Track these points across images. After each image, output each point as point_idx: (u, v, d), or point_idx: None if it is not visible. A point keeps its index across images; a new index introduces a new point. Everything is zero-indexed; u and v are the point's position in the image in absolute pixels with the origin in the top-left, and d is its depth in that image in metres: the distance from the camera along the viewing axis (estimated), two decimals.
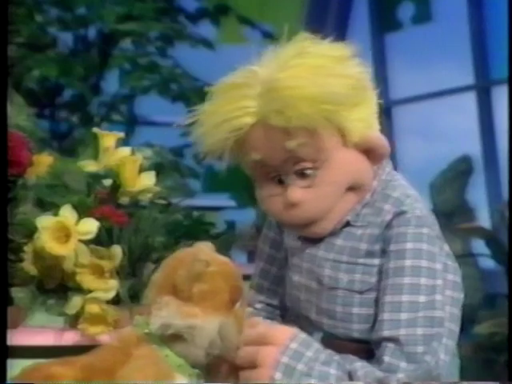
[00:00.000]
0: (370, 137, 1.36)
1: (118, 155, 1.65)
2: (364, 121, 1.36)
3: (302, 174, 1.35)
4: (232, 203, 3.74)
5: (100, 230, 1.56)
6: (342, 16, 4.88)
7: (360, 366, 1.29)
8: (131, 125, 4.08)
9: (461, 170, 4.34)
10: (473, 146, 4.55)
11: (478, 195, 4.44)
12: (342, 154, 1.35)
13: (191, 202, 2.86)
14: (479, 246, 3.82)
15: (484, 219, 4.37)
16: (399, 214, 1.34)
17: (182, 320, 1.28)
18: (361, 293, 1.35)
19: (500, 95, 4.69)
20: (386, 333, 1.30)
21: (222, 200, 3.88)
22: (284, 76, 1.32)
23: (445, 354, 1.31)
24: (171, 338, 1.29)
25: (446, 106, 4.75)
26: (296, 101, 1.30)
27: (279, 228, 1.50)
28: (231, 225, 3.55)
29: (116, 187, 1.64)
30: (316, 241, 1.39)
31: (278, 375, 1.26)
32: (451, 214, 4.17)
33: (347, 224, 1.38)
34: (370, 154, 1.37)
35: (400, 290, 1.31)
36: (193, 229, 1.94)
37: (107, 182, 1.66)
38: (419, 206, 1.36)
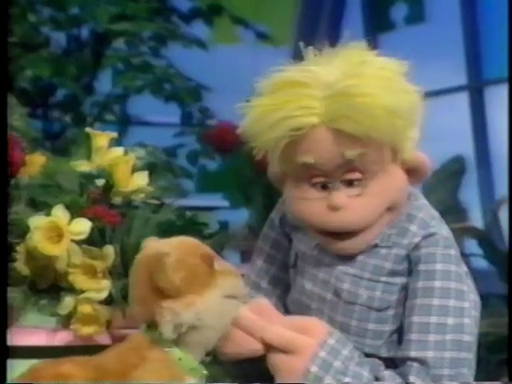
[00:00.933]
0: (417, 156, 1.37)
1: (110, 155, 1.65)
2: (415, 140, 1.37)
3: (349, 183, 1.34)
4: (225, 203, 3.74)
5: (93, 230, 1.56)
6: (335, 16, 4.89)
7: (388, 375, 1.29)
8: (124, 125, 4.07)
9: (453, 170, 4.35)
10: (465, 147, 4.55)
11: (470, 195, 4.45)
12: (392, 170, 1.35)
13: (184, 202, 2.85)
14: (472, 246, 3.83)
15: (476, 219, 4.38)
16: (427, 235, 1.35)
17: (187, 313, 1.27)
18: (379, 310, 1.35)
19: (493, 95, 4.70)
20: (413, 353, 1.30)
21: (215, 200, 3.88)
22: (354, 82, 1.30)
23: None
24: (184, 333, 1.29)
25: (439, 106, 4.75)
26: (372, 109, 1.29)
27: (283, 230, 1.49)
28: (224, 225, 3.54)
29: (109, 187, 1.64)
30: (340, 256, 1.38)
31: (314, 368, 1.26)
32: (444, 214, 4.16)
33: (375, 245, 1.37)
34: (412, 174, 1.37)
35: (429, 311, 1.31)
36: (186, 229, 1.94)
37: (100, 182, 1.66)
38: (444, 226, 1.38)
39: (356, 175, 1.33)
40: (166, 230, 1.77)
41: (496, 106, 4.64)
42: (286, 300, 1.46)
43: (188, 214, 2.01)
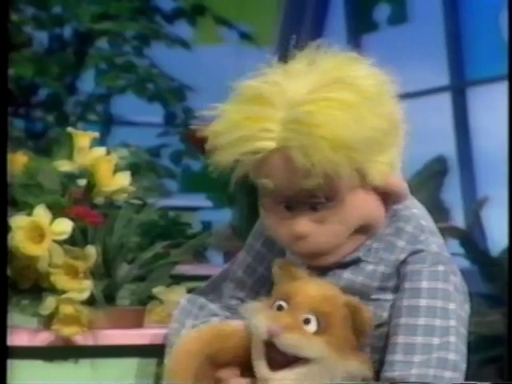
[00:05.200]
0: (390, 181, 1.31)
1: (92, 155, 1.64)
2: (389, 164, 1.31)
3: (313, 207, 1.29)
4: (208, 203, 3.73)
5: (74, 230, 1.56)
6: (318, 17, 4.89)
7: None
8: (107, 124, 4.07)
9: (436, 171, 4.36)
10: (448, 147, 4.57)
11: (452, 195, 4.46)
12: (357, 196, 1.30)
13: (168, 202, 2.84)
14: (454, 245, 3.85)
15: (459, 219, 4.40)
16: (415, 252, 1.31)
17: None
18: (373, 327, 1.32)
19: (475, 96, 4.72)
20: (397, 374, 1.27)
21: (199, 200, 3.87)
22: (313, 109, 1.24)
23: None
24: None
25: (422, 106, 4.77)
26: (322, 142, 1.23)
27: None
28: (207, 225, 3.54)
29: (91, 187, 1.63)
30: (323, 271, 1.35)
31: None
32: None
33: (358, 259, 1.34)
34: (388, 197, 1.32)
35: (414, 331, 1.28)
36: (168, 229, 1.93)
37: (82, 182, 1.65)
38: (434, 240, 1.33)
39: (319, 200, 1.29)
40: (149, 230, 1.77)
41: (478, 107, 4.66)
42: None
43: (171, 214, 2.00)
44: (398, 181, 1.34)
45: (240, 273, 1.47)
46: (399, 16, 4.67)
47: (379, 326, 1.32)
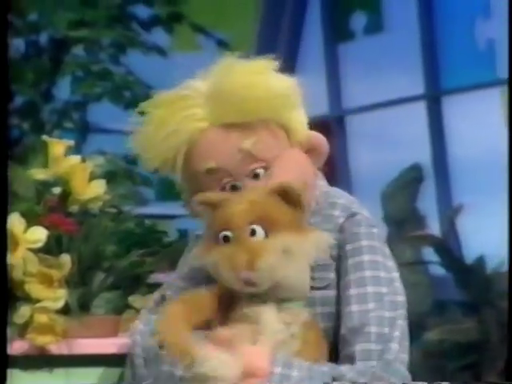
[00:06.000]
0: (312, 135, 1.42)
1: (67, 163, 1.64)
2: (303, 123, 1.42)
3: (255, 176, 1.37)
4: (185, 211, 3.72)
5: (49, 238, 1.55)
6: (295, 26, 4.91)
7: (347, 368, 1.32)
8: (83, 132, 4.05)
9: (411, 178, 4.39)
10: (423, 155, 4.60)
11: (428, 203, 4.49)
12: (291, 153, 1.40)
13: (144, 210, 2.83)
14: (429, 253, 3.86)
15: (434, 227, 4.42)
16: (350, 216, 1.40)
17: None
18: (320, 289, 1.38)
19: (450, 105, 4.75)
20: (357, 322, 1.34)
21: (175, 208, 3.86)
22: (228, 80, 1.36)
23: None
24: None
25: (397, 115, 4.80)
26: (244, 92, 1.35)
27: None
28: (184, 233, 3.53)
29: (65, 195, 1.63)
30: None
31: None
32: (402, 222, 4.21)
33: None
34: (313, 153, 1.42)
35: (363, 283, 1.36)
36: (145, 237, 1.93)
37: (57, 190, 1.65)
38: (365, 210, 1.43)
39: (259, 164, 1.36)
40: (125, 239, 1.76)
41: (454, 115, 4.69)
42: None
43: (147, 222, 2.00)
44: (318, 136, 1.44)
45: (179, 282, 1.48)
46: (375, 25, 4.70)
47: (326, 287, 1.38)
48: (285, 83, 1.39)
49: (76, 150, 1.71)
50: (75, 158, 1.65)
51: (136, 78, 3.96)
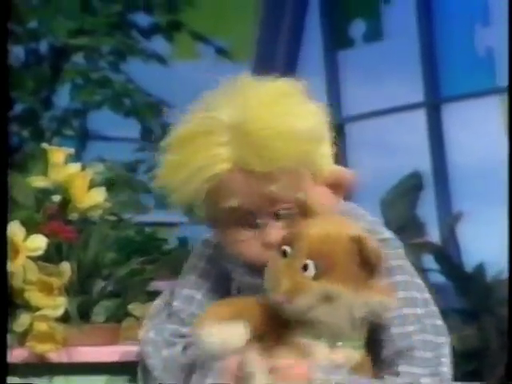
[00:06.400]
0: (337, 171, 1.39)
1: (67, 171, 1.64)
2: (329, 156, 1.38)
3: (277, 216, 1.35)
4: (185, 219, 3.72)
5: (49, 246, 1.55)
6: (295, 34, 4.91)
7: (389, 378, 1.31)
8: (83, 139, 4.05)
9: (411, 186, 4.38)
10: (423, 162, 4.59)
11: (428, 210, 4.49)
12: (315, 192, 1.36)
13: (144, 218, 2.83)
14: (429, 261, 3.86)
15: (434, 234, 4.42)
16: (382, 240, 1.37)
17: None
18: None
19: (450, 112, 4.75)
20: (401, 345, 1.33)
21: (175, 216, 3.86)
22: (250, 119, 1.32)
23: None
24: None
25: (397, 122, 4.80)
26: (271, 142, 1.30)
27: (220, 257, 1.47)
28: (184, 241, 3.53)
29: (65, 203, 1.63)
30: None
31: None
32: (402, 229, 4.20)
33: None
34: (338, 188, 1.39)
35: (400, 304, 1.34)
36: (145, 245, 1.93)
37: (56, 198, 1.65)
38: (384, 229, 1.41)
39: (283, 206, 1.34)
40: (125, 246, 1.76)
41: (453, 123, 4.69)
42: None
43: (147, 230, 1.99)
44: (343, 170, 1.41)
45: (186, 291, 1.47)
46: (374, 33, 4.70)
47: None
48: (313, 120, 1.34)
49: (76, 157, 1.71)
50: (75, 166, 1.65)
51: (136, 85, 3.96)
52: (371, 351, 1.35)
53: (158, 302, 1.51)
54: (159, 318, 1.47)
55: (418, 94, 4.69)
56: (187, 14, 4.17)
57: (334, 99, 4.70)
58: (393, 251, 1.38)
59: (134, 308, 1.70)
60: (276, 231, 1.34)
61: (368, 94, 4.79)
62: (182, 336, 1.44)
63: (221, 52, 4.18)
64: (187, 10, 4.14)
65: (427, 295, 1.38)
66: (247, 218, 1.35)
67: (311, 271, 1.28)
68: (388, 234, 1.40)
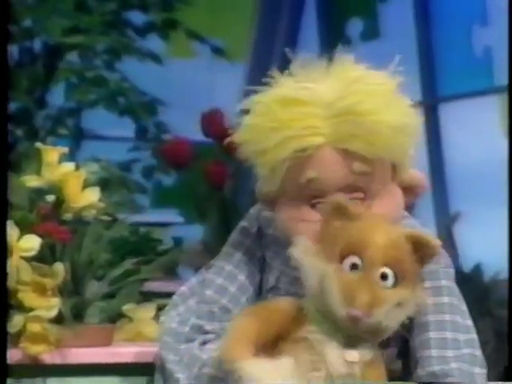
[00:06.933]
0: (415, 174, 1.39)
1: (61, 170, 1.64)
2: (412, 159, 1.38)
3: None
4: (180, 219, 3.71)
5: (42, 246, 1.54)
6: (291, 32, 4.90)
7: None
8: (78, 139, 4.03)
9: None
10: (420, 162, 4.58)
11: (425, 211, 4.48)
12: (391, 189, 1.35)
13: (138, 218, 2.82)
14: None
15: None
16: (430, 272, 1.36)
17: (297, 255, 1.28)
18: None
19: (447, 112, 4.74)
20: (438, 368, 1.31)
21: (170, 216, 3.84)
22: (357, 100, 1.29)
23: None
24: None
25: None
26: (380, 127, 1.29)
27: (259, 241, 1.44)
28: (178, 241, 3.51)
29: (59, 203, 1.63)
30: None
31: None
32: None
33: None
34: (410, 191, 1.38)
35: (443, 327, 1.33)
36: (139, 245, 1.92)
37: (50, 198, 1.64)
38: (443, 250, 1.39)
39: (358, 195, 1.32)
40: (119, 247, 1.75)
41: (451, 123, 4.69)
42: None
43: (142, 230, 1.99)
44: (421, 175, 1.40)
45: (220, 280, 1.44)
46: (371, 31, 4.70)
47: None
48: (411, 114, 1.33)
49: (70, 156, 1.71)
50: (69, 166, 1.65)
51: (131, 84, 3.94)
52: (406, 364, 1.34)
53: (183, 289, 1.47)
54: (186, 306, 1.43)
55: (414, 94, 4.67)
56: (183, 12, 4.15)
57: None
58: (444, 269, 1.36)
59: (128, 309, 1.70)
60: None
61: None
62: (206, 332, 1.40)
63: (217, 51, 4.16)
64: (183, 8, 4.13)
65: (469, 322, 1.36)
66: (316, 197, 1.32)
67: (390, 280, 1.25)
68: (443, 251, 1.37)
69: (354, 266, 1.25)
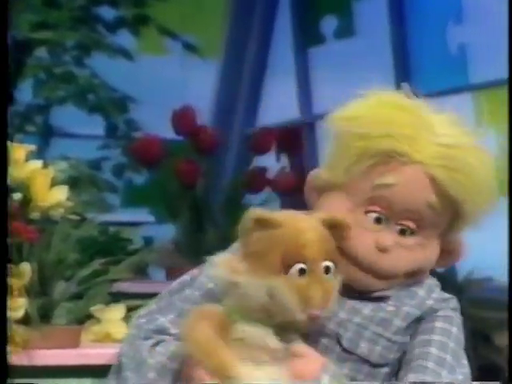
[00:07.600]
0: (460, 240, 1.40)
1: (28, 168, 1.63)
2: (473, 221, 1.39)
3: (401, 231, 1.34)
4: (151, 218, 3.68)
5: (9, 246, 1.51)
6: (265, 30, 4.89)
7: None
8: (46, 136, 3.99)
9: None
10: None
11: None
12: (433, 243, 1.36)
13: (108, 217, 2.79)
14: None
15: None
16: (444, 299, 1.39)
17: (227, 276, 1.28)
18: (374, 366, 1.35)
19: None
20: (429, 379, 1.31)
21: (141, 215, 3.81)
22: (467, 142, 1.34)
23: None
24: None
25: None
26: (480, 177, 1.32)
27: None
28: (149, 240, 3.48)
29: (26, 201, 1.61)
30: (340, 303, 1.35)
31: None
32: None
33: (385, 298, 1.37)
34: (445, 255, 1.39)
35: (446, 349, 1.34)
36: (109, 245, 1.90)
37: (17, 196, 1.62)
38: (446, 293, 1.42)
39: (412, 225, 1.33)
40: (88, 246, 1.74)
41: None
42: None
43: (111, 229, 1.97)
44: (464, 244, 1.41)
45: (211, 285, 1.39)
46: (346, 30, 4.69)
47: (381, 366, 1.35)
48: (493, 178, 1.37)
49: (38, 154, 1.70)
50: (36, 163, 1.64)
51: (101, 81, 3.91)
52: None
53: (184, 277, 1.43)
54: (166, 301, 1.39)
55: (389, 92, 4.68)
56: (154, 8, 4.12)
57: (305, 97, 4.68)
58: (455, 315, 1.38)
59: (96, 310, 1.69)
60: (392, 239, 1.33)
61: (339, 92, 4.78)
62: (168, 335, 1.36)
63: (189, 48, 4.13)
64: (154, 4, 4.10)
65: (464, 361, 1.37)
66: (378, 209, 1.33)
67: (332, 270, 1.27)
68: (448, 295, 1.41)
69: (301, 272, 1.27)
